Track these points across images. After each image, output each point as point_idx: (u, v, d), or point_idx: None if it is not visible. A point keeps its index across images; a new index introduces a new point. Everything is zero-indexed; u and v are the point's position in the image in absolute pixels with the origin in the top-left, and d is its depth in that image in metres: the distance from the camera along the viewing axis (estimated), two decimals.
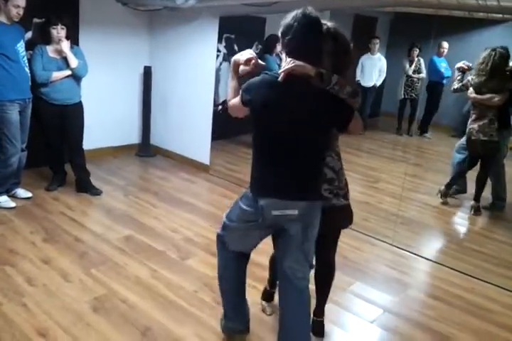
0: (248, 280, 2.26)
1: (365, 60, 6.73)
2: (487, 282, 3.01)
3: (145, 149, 5.27)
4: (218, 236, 2.14)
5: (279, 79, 1.76)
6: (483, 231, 3.93)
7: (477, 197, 4.04)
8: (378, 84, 6.71)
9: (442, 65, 5.64)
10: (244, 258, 2.15)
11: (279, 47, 5.38)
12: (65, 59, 3.59)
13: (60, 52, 3.59)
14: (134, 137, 5.33)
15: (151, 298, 2.55)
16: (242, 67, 1.96)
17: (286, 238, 1.93)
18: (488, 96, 3.76)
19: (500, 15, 4.14)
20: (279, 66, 6.14)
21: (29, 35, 3.57)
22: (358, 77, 6.77)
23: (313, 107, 1.79)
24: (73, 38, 3.77)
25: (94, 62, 3.98)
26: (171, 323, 2.35)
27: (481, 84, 3.78)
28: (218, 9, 4.32)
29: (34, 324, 2.26)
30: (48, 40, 3.57)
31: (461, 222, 4.13)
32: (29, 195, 3.76)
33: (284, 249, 1.96)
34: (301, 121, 1.79)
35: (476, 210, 4.05)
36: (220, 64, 5.53)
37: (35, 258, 2.88)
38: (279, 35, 1.81)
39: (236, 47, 5.73)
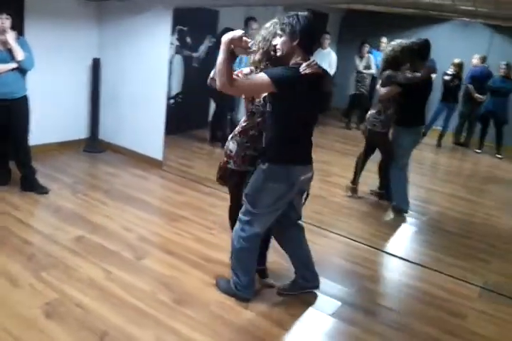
0: (208, 278, 2.43)
1: (316, 54, 6.82)
2: (439, 271, 3.13)
3: (93, 144, 5.08)
4: (244, 221, 2.41)
5: (302, 72, 2.15)
6: (433, 223, 4.09)
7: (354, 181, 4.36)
8: None
9: (379, 59, 5.88)
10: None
11: None
12: (9, 51, 3.41)
13: (4, 43, 3.40)
14: (81, 132, 5.13)
15: (107, 301, 2.47)
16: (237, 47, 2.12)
17: (301, 195, 2.50)
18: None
19: (454, 14, 4.28)
20: None
21: None
22: None
23: (320, 93, 2.31)
24: (18, 29, 3.60)
25: (40, 54, 3.79)
26: (129, 326, 2.29)
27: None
28: (172, 0, 4.22)
29: None
30: None
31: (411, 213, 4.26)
32: None
33: (296, 205, 2.53)
34: (315, 105, 2.34)
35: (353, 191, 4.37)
36: (172, 56, 5.40)
37: None
38: (288, 35, 2.16)
39: (189, 40, 5.63)
